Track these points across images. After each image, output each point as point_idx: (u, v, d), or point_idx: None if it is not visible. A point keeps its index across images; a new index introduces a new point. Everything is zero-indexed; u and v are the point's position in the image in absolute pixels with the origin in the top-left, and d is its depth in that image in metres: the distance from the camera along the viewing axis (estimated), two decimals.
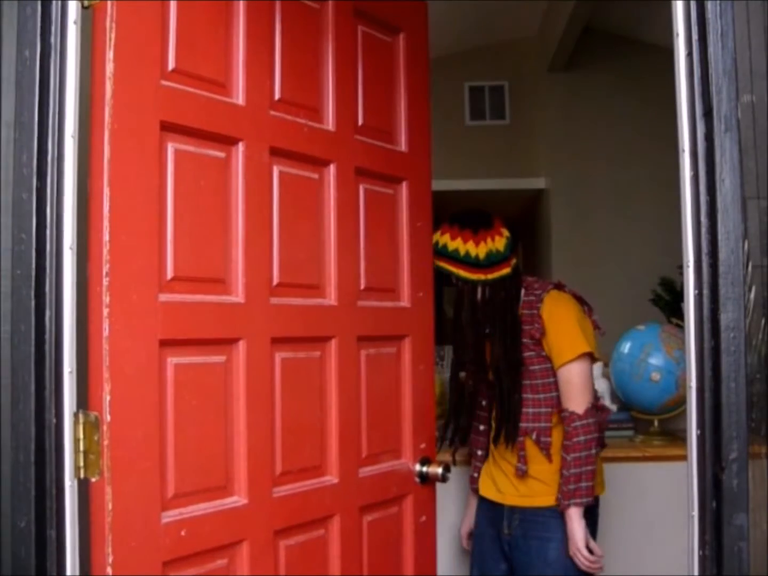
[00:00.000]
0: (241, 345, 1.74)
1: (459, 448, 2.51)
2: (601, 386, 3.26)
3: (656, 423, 3.34)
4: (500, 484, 2.42)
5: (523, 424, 2.34)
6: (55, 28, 1.44)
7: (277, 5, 1.87)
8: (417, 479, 2.19)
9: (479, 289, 2.35)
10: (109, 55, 1.50)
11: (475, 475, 2.55)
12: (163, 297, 1.59)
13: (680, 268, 1.49)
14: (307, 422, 1.90)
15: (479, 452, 2.52)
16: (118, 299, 1.50)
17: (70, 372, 1.44)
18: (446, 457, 2.46)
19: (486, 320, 2.35)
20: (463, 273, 2.34)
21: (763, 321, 1.36)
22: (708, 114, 1.40)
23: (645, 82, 5.66)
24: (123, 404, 1.50)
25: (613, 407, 3.44)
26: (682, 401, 3.07)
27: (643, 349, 3.20)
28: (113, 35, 1.50)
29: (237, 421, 1.73)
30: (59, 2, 1.45)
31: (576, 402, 2.27)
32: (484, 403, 2.45)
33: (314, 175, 1.95)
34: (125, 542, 1.49)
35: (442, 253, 2.36)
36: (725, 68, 1.38)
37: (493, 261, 2.33)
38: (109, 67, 1.50)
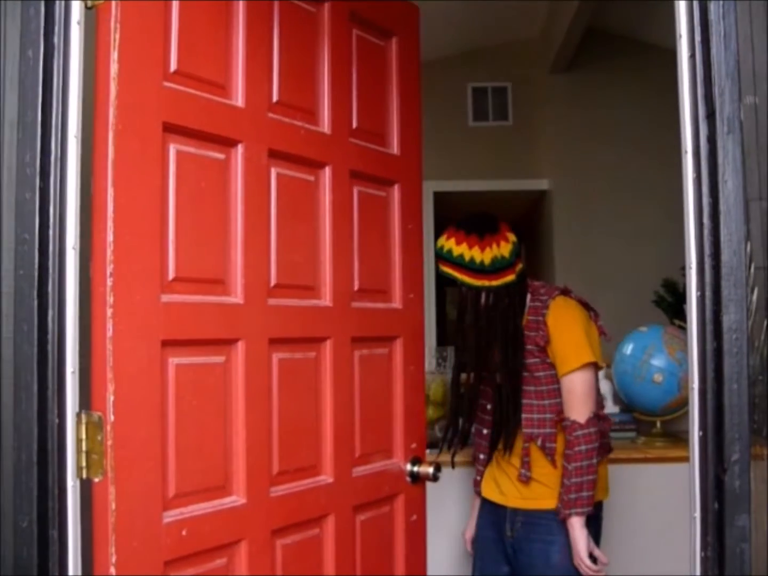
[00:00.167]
0: (240, 345, 1.75)
1: (459, 450, 2.51)
2: (603, 388, 3.26)
3: (658, 424, 3.34)
4: (503, 486, 2.41)
5: (528, 430, 2.33)
6: (58, 28, 1.44)
7: (276, 8, 1.88)
8: (408, 479, 2.21)
9: (483, 295, 2.33)
10: (114, 55, 1.50)
11: (478, 478, 2.54)
12: (165, 297, 1.60)
13: (683, 269, 1.49)
14: (303, 422, 1.91)
15: (482, 456, 2.50)
16: (122, 300, 1.50)
17: (73, 372, 1.44)
18: (447, 459, 2.47)
19: (489, 326, 2.33)
20: (467, 279, 2.31)
21: (765, 323, 1.35)
22: (711, 116, 1.40)
23: (648, 84, 5.65)
24: (126, 404, 1.50)
25: (615, 408, 3.44)
26: (684, 403, 3.07)
27: (646, 351, 3.20)
28: (118, 36, 1.50)
29: (236, 420, 1.74)
30: (63, 2, 1.45)
31: (578, 411, 2.25)
32: (489, 406, 2.44)
33: (310, 178, 1.96)
34: (128, 542, 1.50)
35: (446, 258, 2.33)
36: (728, 70, 1.38)
37: (498, 267, 2.30)
38: (114, 68, 1.50)
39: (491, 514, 2.46)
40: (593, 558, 2.22)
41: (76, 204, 1.45)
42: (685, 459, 1.48)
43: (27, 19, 1.42)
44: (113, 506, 1.47)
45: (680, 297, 4.42)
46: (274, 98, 1.87)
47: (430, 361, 3.71)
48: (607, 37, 6.02)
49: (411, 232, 2.27)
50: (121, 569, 1.48)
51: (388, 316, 2.20)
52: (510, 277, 2.33)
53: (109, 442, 1.47)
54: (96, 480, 1.47)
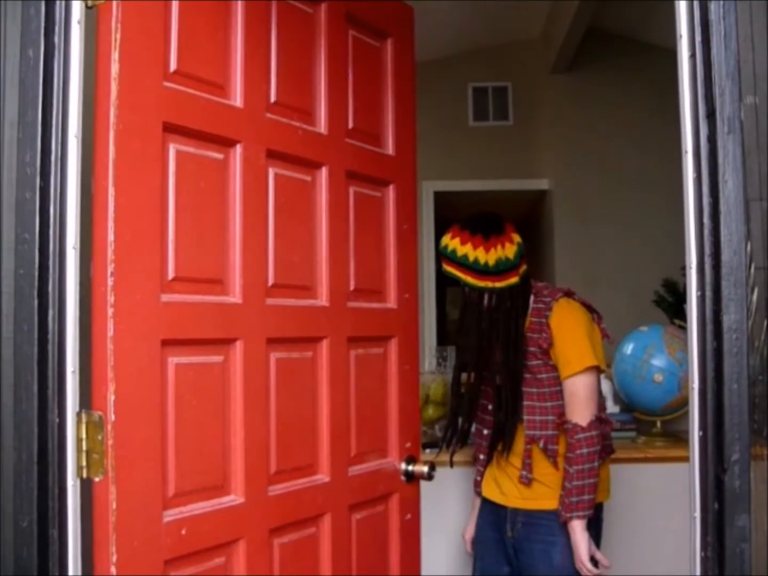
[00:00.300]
0: (238, 345, 1.75)
1: (458, 449, 2.50)
2: (604, 387, 3.26)
3: (659, 424, 3.35)
4: (504, 486, 2.41)
5: (530, 432, 2.32)
6: (58, 28, 1.44)
7: (273, 8, 1.89)
8: (403, 478, 2.22)
9: (486, 296, 2.32)
10: (115, 55, 1.50)
11: (479, 478, 2.54)
12: (165, 297, 1.60)
13: (683, 269, 1.49)
14: (300, 422, 1.92)
15: (482, 456, 2.50)
16: (123, 299, 1.50)
17: (73, 372, 1.44)
18: (446, 459, 2.47)
19: (491, 327, 2.33)
20: (470, 280, 2.31)
21: (765, 322, 1.36)
22: (711, 115, 1.40)
23: (648, 84, 5.65)
24: (127, 404, 1.50)
25: (615, 408, 3.44)
26: (684, 402, 3.07)
27: (646, 351, 3.20)
28: (119, 36, 1.50)
29: (234, 420, 1.74)
30: (63, 2, 1.45)
31: (580, 414, 2.25)
32: (490, 407, 2.43)
33: (307, 178, 1.97)
34: (129, 542, 1.50)
35: (450, 258, 2.33)
36: (728, 70, 1.38)
37: (502, 269, 2.29)
38: (115, 68, 1.50)
39: (492, 515, 2.46)
40: (594, 561, 2.22)
41: (76, 204, 1.45)
42: (685, 459, 1.48)
43: (27, 18, 1.42)
44: (114, 506, 1.47)
45: (680, 297, 4.41)
46: (272, 98, 1.88)
47: (430, 361, 3.72)
48: (608, 37, 6.02)
49: (406, 232, 2.28)
50: (121, 569, 1.48)
51: (384, 316, 2.20)
52: (513, 280, 2.32)
53: (110, 442, 1.47)
54: (96, 479, 1.47)
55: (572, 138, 6.16)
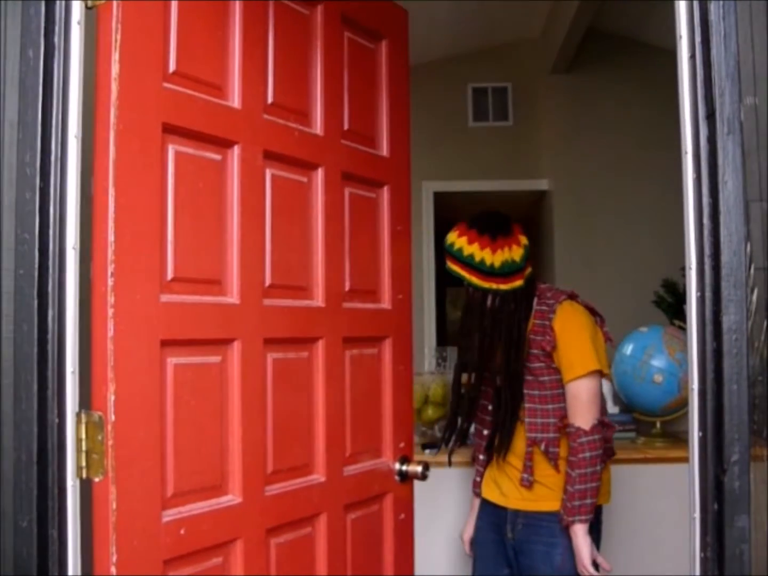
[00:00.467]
0: (236, 345, 1.75)
1: (457, 448, 2.50)
2: (604, 388, 3.26)
3: (658, 425, 3.35)
4: (504, 487, 2.40)
5: (531, 434, 2.32)
6: (58, 28, 1.44)
7: (271, 9, 1.89)
8: (397, 477, 2.22)
9: (489, 298, 2.32)
10: (115, 56, 1.50)
11: (478, 479, 2.53)
12: (165, 297, 1.60)
13: (683, 270, 1.49)
14: (296, 422, 1.92)
15: (482, 456, 2.49)
16: (123, 299, 1.50)
17: (73, 372, 1.44)
18: (445, 459, 2.47)
19: (493, 328, 2.32)
20: (475, 280, 2.30)
21: (765, 323, 1.36)
22: (711, 116, 1.40)
23: (648, 84, 5.64)
24: (126, 404, 1.50)
25: (615, 409, 3.44)
26: (684, 403, 3.07)
27: (646, 351, 3.21)
28: (119, 36, 1.50)
29: (231, 420, 1.74)
30: (63, 2, 1.45)
31: (583, 418, 2.24)
32: (490, 407, 2.43)
33: (303, 179, 1.97)
34: (128, 541, 1.50)
35: (456, 256, 2.32)
36: (728, 70, 1.38)
37: (507, 271, 2.29)
38: (115, 69, 1.50)
39: (492, 516, 2.45)
40: (595, 564, 2.21)
41: (76, 204, 1.45)
42: (685, 459, 1.48)
43: (27, 18, 1.42)
44: (114, 506, 1.47)
45: (680, 297, 4.42)
46: (269, 99, 1.88)
47: (430, 362, 3.72)
48: (608, 37, 6.01)
49: (400, 233, 2.28)
50: (121, 569, 1.48)
51: (378, 317, 2.21)
52: (518, 282, 2.31)
53: (110, 442, 1.47)
54: (96, 480, 1.47)
55: (572, 138, 6.16)
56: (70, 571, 1.42)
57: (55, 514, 1.41)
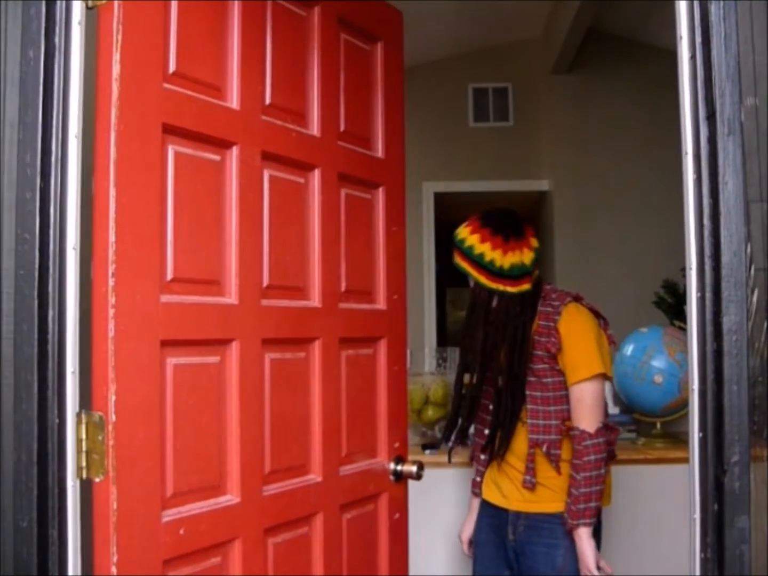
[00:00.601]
0: (235, 346, 1.75)
1: (457, 446, 2.50)
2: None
3: (658, 425, 3.34)
4: (505, 489, 2.39)
5: (533, 436, 2.31)
6: (59, 29, 1.44)
7: (269, 10, 1.89)
8: (391, 477, 2.23)
9: (495, 298, 2.30)
10: (116, 56, 1.50)
11: (478, 479, 2.52)
12: (164, 298, 1.60)
13: (683, 270, 1.49)
14: (293, 422, 1.92)
15: (483, 456, 2.48)
16: (123, 300, 1.50)
17: (73, 372, 1.44)
18: (445, 459, 2.47)
19: (497, 329, 2.31)
20: (483, 279, 2.29)
21: (765, 324, 1.36)
22: (711, 117, 1.40)
23: (649, 85, 5.64)
24: (127, 404, 1.50)
25: (615, 409, 3.44)
26: (684, 404, 3.07)
27: (646, 352, 3.20)
28: (120, 37, 1.50)
29: (230, 420, 1.74)
30: (64, 2, 1.45)
31: (587, 421, 2.23)
32: (491, 407, 2.41)
33: (300, 180, 1.98)
34: (129, 542, 1.50)
35: (465, 252, 2.30)
36: (728, 71, 1.38)
37: (516, 274, 2.27)
38: (116, 69, 1.50)
39: (492, 518, 2.44)
40: (598, 567, 2.21)
41: (76, 204, 1.45)
42: (685, 460, 1.48)
43: (28, 19, 1.42)
44: (114, 506, 1.47)
45: (680, 298, 4.41)
46: (267, 101, 1.88)
47: (430, 362, 3.71)
48: (609, 38, 6.01)
49: (395, 234, 2.28)
50: (122, 569, 1.48)
51: (373, 317, 2.21)
52: (526, 286, 2.30)
53: (111, 442, 1.47)
54: (97, 480, 1.47)
55: (572, 139, 6.16)
56: (70, 571, 1.42)
57: (55, 514, 1.41)
